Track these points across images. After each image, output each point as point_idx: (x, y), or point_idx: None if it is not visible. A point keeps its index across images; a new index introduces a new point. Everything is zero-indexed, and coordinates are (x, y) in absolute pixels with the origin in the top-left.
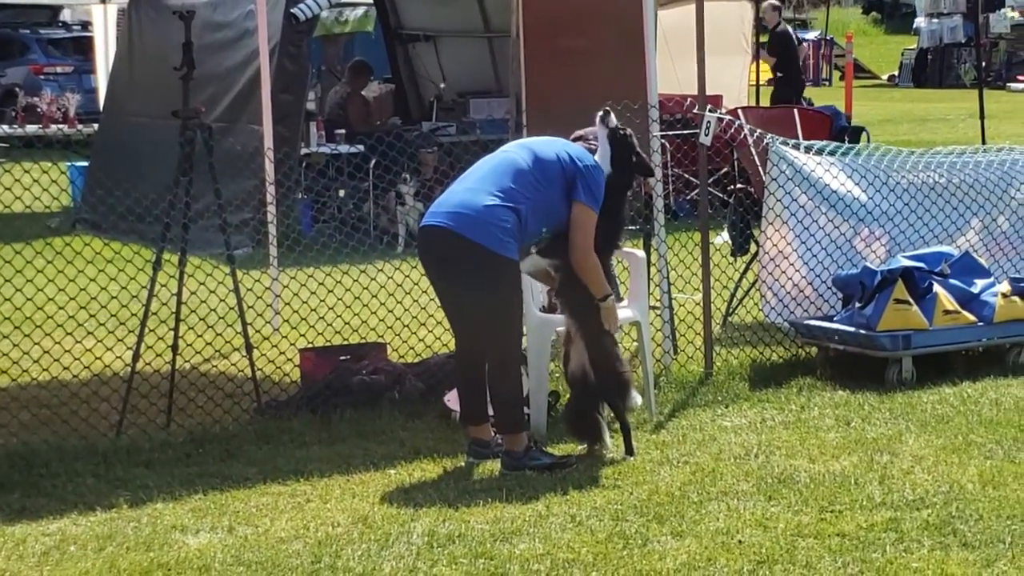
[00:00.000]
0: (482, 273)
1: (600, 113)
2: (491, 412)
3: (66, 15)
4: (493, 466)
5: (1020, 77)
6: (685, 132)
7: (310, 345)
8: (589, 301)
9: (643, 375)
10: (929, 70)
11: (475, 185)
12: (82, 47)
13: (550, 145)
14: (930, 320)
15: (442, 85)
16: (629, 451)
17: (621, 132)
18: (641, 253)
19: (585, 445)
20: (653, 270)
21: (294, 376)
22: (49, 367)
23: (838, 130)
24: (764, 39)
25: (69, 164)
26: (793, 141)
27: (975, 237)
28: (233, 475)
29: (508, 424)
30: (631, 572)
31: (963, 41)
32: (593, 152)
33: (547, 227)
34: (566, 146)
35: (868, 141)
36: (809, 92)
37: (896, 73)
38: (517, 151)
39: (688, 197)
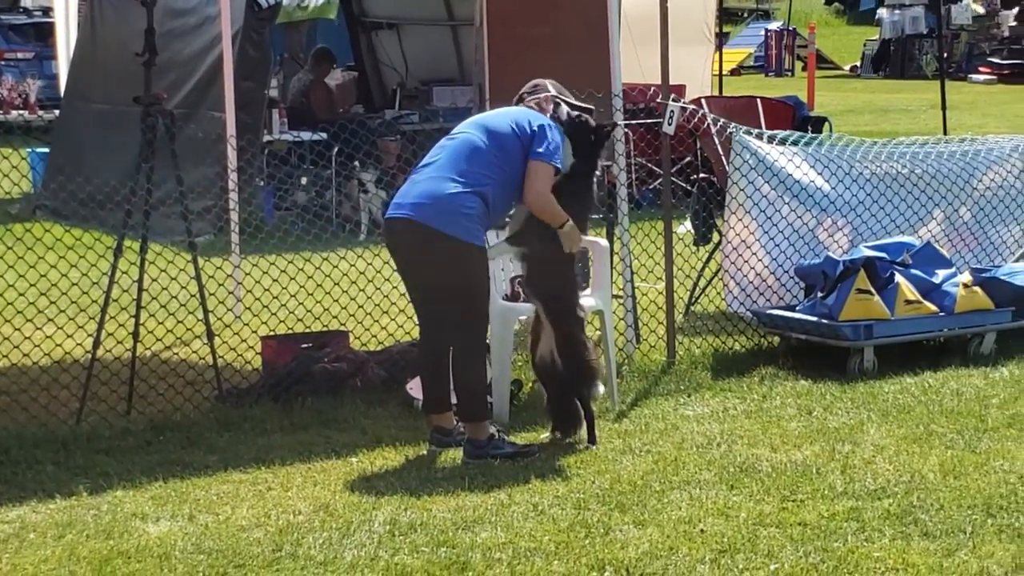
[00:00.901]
0: (449, 261)
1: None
2: (454, 400)
3: (27, 1)
4: (455, 454)
5: (981, 68)
6: (648, 121)
7: (272, 333)
8: (557, 289)
9: (606, 364)
10: (891, 61)
11: (436, 173)
12: (43, 33)
13: (503, 117)
14: (892, 310)
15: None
16: (592, 440)
17: (576, 120)
18: (604, 242)
19: (567, 434)
20: (616, 259)
21: (256, 364)
22: (8, 354)
23: (801, 120)
24: (728, 29)
25: (30, 150)
26: (756, 131)
27: (937, 227)
28: (194, 463)
29: (471, 412)
30: (593, 561)
31: (925, 32)
32: (546, 113)
33: (516, 200)
34: (518, 113)
35: (831, 131)
36: (772, 83)
37: (858, 64)
38: (472, 131)
39: (651, 186)
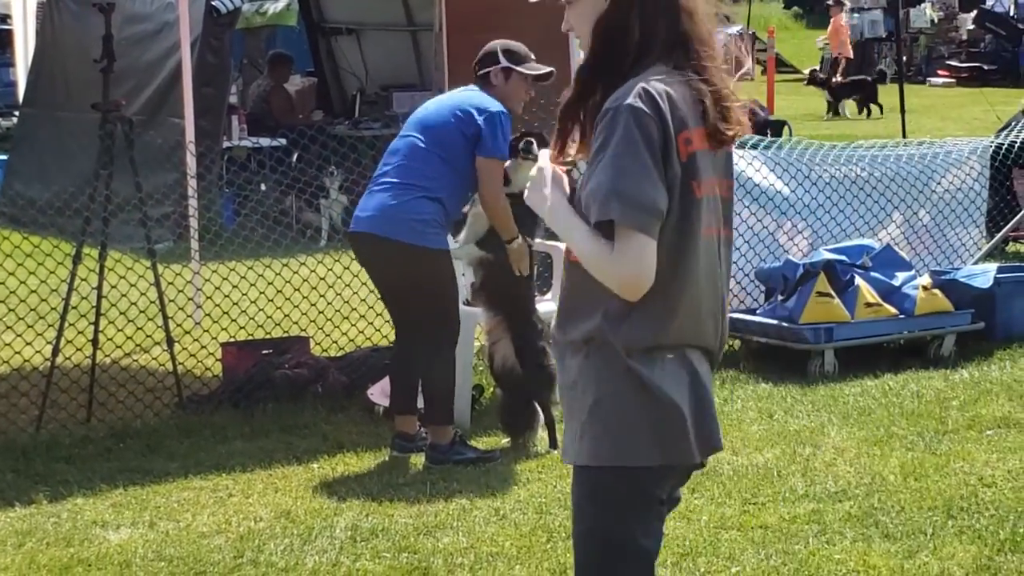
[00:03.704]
0: (413, 269)
1: (521, 145)
2: (420, 405)
3: None
4: (417, 460)
5: (940, 72)
6: None
7: (232, 339)
8: (513, 295)
9: None
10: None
11: (388, 182)
12: (1, 40)
13: (443, 107)
14: (852, 313)
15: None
16: (553, 444)
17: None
18: (564, 246)
19: (515, 438)
20: None
21: (216, 370)
22: None
23: (760, 124)
24: None
25: None
26: None
27: (896, 230)
28: (154, 470)
29: (438, 416)
30: (555, 565)
31: (884, 36)
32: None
33: (471, 191)
34: (463, 99)
35: (790, 135)
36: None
37: (817, 67)
38: (413, 133)
39: None
